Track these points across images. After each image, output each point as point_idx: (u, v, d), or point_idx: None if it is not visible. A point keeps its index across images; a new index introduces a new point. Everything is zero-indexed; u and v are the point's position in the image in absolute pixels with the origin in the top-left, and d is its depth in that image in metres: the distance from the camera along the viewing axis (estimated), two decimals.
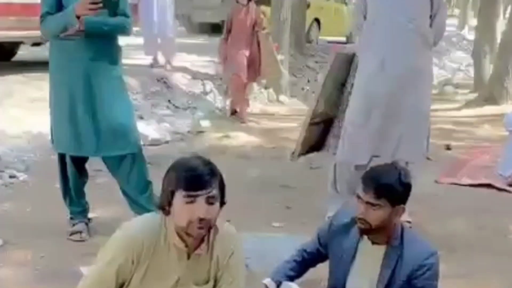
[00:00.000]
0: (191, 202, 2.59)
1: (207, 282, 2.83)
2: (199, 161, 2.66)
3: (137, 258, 2.70)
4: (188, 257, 2.76)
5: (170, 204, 2.65)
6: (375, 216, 3.05)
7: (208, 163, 2.66)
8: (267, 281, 3.42)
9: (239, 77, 9.87)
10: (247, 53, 9.88)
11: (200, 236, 2.68)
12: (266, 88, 11.81)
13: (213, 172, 2.64)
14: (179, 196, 2.60)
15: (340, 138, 5.52)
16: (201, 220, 2.59)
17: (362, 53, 5.45)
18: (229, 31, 9.90)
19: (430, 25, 5.22)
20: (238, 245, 2.89)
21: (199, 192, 2.58)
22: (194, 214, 2.59)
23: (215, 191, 2.62)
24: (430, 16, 5.20)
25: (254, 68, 10.04)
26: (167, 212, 2.69)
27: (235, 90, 10.19)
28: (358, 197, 3.09)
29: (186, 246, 2.72)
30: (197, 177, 2.59)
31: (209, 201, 2.60)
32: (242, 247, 2.93)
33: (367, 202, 3.05)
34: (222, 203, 2.71)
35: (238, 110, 10.24)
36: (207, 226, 2.65)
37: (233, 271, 2.85)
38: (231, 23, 9.88)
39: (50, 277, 4.28)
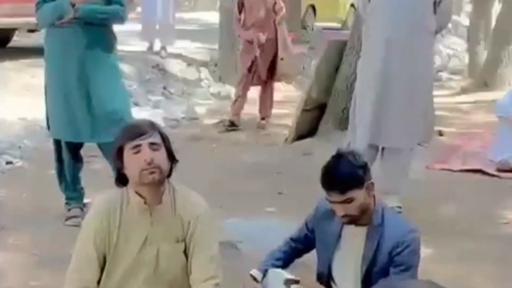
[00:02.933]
0: (137, 152, 2.82)
1: (176, 242, 2.95)
2: (140, 120, 3.05)
3: (108, 224, 2.89)
4: (151, 214, 2.91)
5: (123, 167, 2.87)
6: (355, 207, 3.10)
7: (147, 121, 3.01)
8: (254, 271, 3.45)
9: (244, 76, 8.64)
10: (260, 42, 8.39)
11: (153, 181, 2.84)
12: None
13: (151, 124, 2.93)
14: (127, 150, 2.84)
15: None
16: (149, 164, 2.79)
17: (364, 38, 5.52)
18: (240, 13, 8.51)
19: (435, 11, 5.25)
20: (206, 212, 3.01)
21: (141, 141, 2.82)
22: (142, 160, 2.80)
23: (156, 139, 2.86)
24: (435, 3, 5.22)
25: (272, 63, 8.55)
26: (124, 183, 2.92)
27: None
28: (330, 201, 3.14)
29: (145, 202, 2.88)
30: (137, 127, 2.90)
31: (153, 147, 2.83)
32: (211, 216, 3.04)
33: (340, 202, 3.09)
34: (173, 158, 2.93)
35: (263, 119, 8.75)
36: (159, 172, 2.83)
37: (207, 240, 2.97)
38: (243, 4, 8.52)
39: (47, 262, 4.35)
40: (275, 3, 8.48)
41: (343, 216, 3.14)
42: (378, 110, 5.24)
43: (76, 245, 2.97)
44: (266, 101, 8.73)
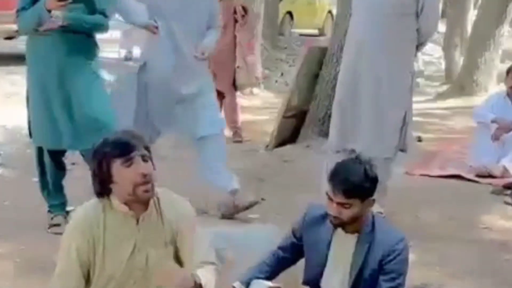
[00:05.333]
0: (130, 165, 2.78)
1: (165, 246, 2.96)
2: (122, 134, 2.92)
3: (91, 237, 2.86)
4: (137, 221, 2.90)
5: (111, 181, 2.81)
6: (348, 213, 3.14)
7: (132, 133, 2.93)
8: (237, 284, 3.44)
9: None
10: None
11: (148, 196, 2.85)
12: None
13: (136, 136, 2.88)
14: (117, 166, 2.79)
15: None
16: (144, 176, 2.78)
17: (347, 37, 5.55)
18: None
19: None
20: (190, 211, 3.05)
21: (132, 154, 2.78)
22: (136, 173, 2.78)
23: (145, 152, 2.84)
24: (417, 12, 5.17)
25: (228, 73, 8.28)
26: (107, 194, 2.86)
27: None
28: (329, 197, 3.16)
29: (131, 209, 2.87)
30: (125, 143, 2.82)
31: (144, 158, 2.81)
32: (194, 214, 3.08)
33: (338, 203, 3.12)
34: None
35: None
36: (152, 187, 2.82)
37: (194, 235, 3.00)
38: None
39: (29, 270, 4.33)
40: (235, 11, 8.22)
41: (334, 217, 3.17)
42: (347, 112, 5.27)
43: (58, 255, 2.96)
44: (232, 111, 8.46)
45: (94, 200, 2.97)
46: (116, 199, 2.87)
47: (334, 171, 3.19)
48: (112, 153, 2.79)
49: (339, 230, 3.27)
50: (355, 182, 3.11)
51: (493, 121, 6.98)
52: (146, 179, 2.79)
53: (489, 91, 11.34)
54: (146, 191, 2.80)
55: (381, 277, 3.18)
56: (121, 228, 2.89)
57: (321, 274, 3.32)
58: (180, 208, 3.00)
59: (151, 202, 2.91)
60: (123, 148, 2.79)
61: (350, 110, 5.25)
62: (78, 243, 2.85)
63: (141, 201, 2.84)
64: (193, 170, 5.61)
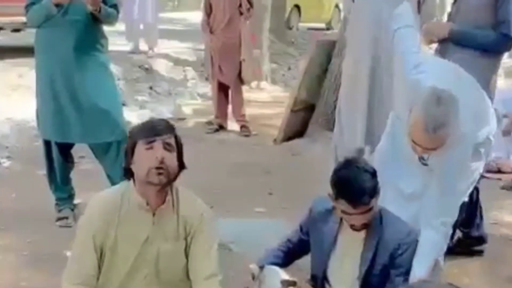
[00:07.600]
0: (150, 148, 2.83)
1: (177, 241, 2.97)
2: (156, 119, 3.08)
3: (107, 220, 2.89)
4: (153, 214, 2.92)
5: (132, 161, 2.88)
6: (372, 214, 3.12)
7: (164, 120, 3.03)
8: (252, 266, 3.47)
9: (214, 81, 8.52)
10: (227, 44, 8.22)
11: (160, 183, 2.85)
12: None
13: (168, 125, 2.94)
14: (140, 146, 2.85)
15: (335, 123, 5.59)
16: (160, 162, 2.80)
17: (348, 39, 5.49)
18: (209, 13, 8.33)
19: (419, 11, 5.23)
20: (208, 212, 3.05)
21: (156, 138, 2.83)
22: (153, 157, 2.80)
23: (171, 140, 2.88)
24: (419, 2, 5.21)
25: (233, 66, 8.30)
26: (131, 173, 2.91)
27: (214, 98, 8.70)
28: (347, 213, 3.09)
29: (148, 204, 2.89)
30: (153, 126, 2.91)
31: (166, 147, 2.85)
32: (212, 217, 3.08)
33: (362, 213, 3.08)
34: (182, 165, 2.93)
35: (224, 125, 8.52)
36: (167, 174, 2.84)
37: (208, 238, 3.00)
38: (210, 7, 8.29)
39: (36, 262, 4.33)
40: (240, 5, 8.21)
41: (362, 225, 3.14)
42: (370, 111, 5.23)
43: (74, 243, 2.97)
44: (238, 104, 8.47)
45: (116, 186, 3.08)
46: (135, 188, 2.90)
47: (345, 189, 3.09)
48: (139, 134, 2.88)
49: (346, 225, 3.24)
50: (368, 186, 3.05)
51: (504, 116, 6.92)
52: (161, 165, 2.81)
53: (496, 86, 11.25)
54: (159, 174, 2.81)
55: (393, 271, 3.16)
56: (137, 218, 2.91)
57: (326, 269, 3.30)
58: (198, 208, 3.01)
59: (168, 197, 2.93)
60: (149, 132, 2.86)
61: (375, 106, 5.22)
62: (95, 229, 2.88)
63: (153, 185, 2.84)
64: None
